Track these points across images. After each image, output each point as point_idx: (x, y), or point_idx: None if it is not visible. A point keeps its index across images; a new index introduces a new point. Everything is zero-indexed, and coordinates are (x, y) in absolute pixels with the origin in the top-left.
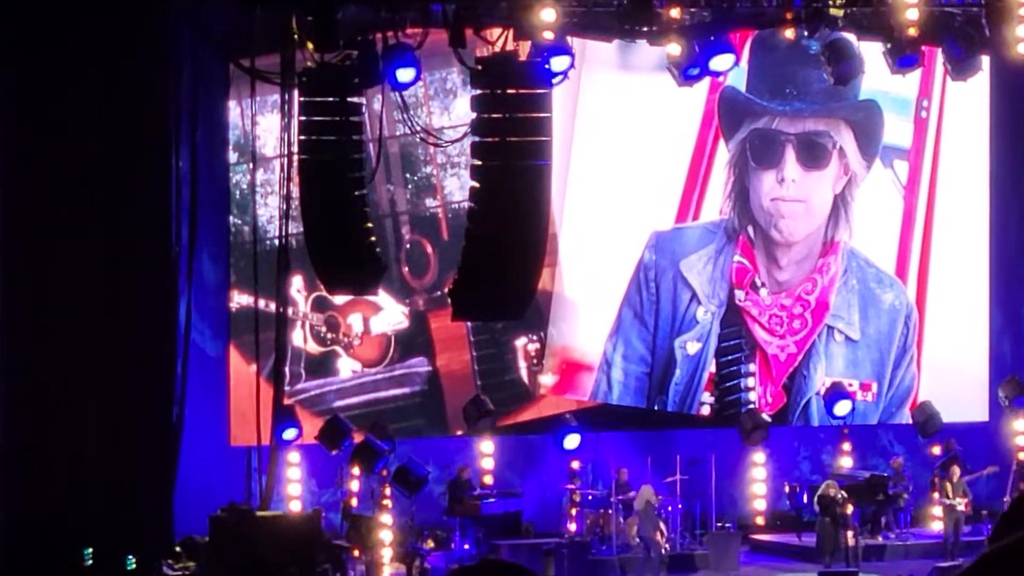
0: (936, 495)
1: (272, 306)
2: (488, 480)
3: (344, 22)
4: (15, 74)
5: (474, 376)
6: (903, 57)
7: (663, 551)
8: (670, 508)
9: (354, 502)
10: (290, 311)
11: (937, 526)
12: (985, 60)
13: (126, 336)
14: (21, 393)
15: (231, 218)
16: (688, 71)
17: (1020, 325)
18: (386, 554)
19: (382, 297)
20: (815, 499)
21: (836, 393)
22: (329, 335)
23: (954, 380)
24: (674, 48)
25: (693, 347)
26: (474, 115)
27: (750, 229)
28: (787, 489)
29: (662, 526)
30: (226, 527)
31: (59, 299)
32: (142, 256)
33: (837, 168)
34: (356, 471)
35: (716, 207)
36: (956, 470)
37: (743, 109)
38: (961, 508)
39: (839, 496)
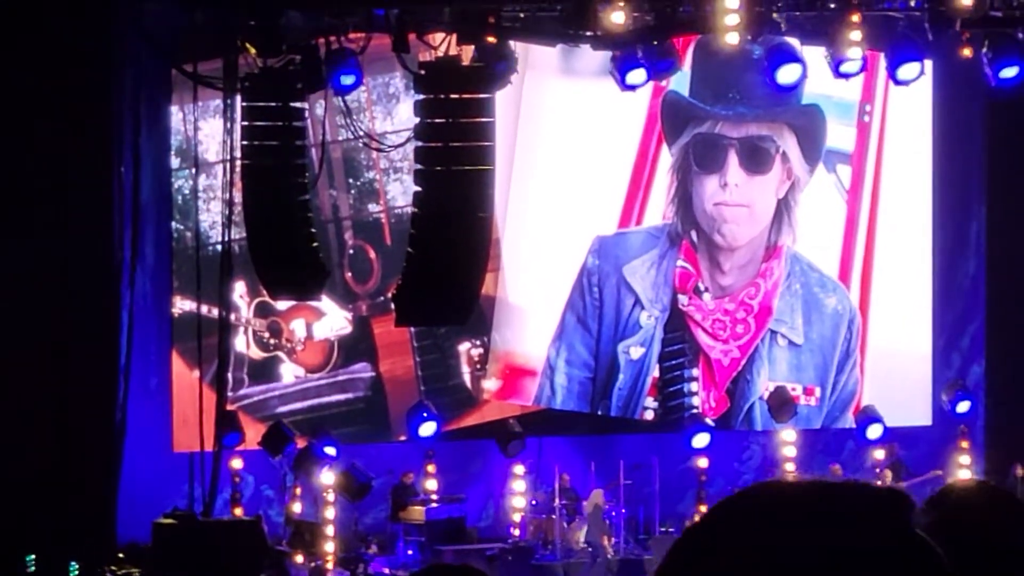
0: None
1: (215, 312)
2: (432, 485)
3: (287, 27)
4: None
5: (417, 381)
6: (844, 60)
7: (609, 556)
8: (614, 513)
9: (297, 508)
10: (233, 317)
11: None
12: (928, 64)
13: (67, 341)
14: None
15: (173, 223)
16: (627, 76)
17: (963, 330)
18: (329, 560)
19: (325, 303)
20: None
21: (780, 398)
22: (272, 341)
23: (897, 384)
24: (616, 52)
25: (636, 352)
26: (417, 120)
27: (693, 234)
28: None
29: (609, 531)
30: (169, 533)
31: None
32: (83, 261)
33: (780, 173)
34: (299, 477)
35: (659, 212)
36: (888, 474)
37: (686, 114)
38: None
39: None
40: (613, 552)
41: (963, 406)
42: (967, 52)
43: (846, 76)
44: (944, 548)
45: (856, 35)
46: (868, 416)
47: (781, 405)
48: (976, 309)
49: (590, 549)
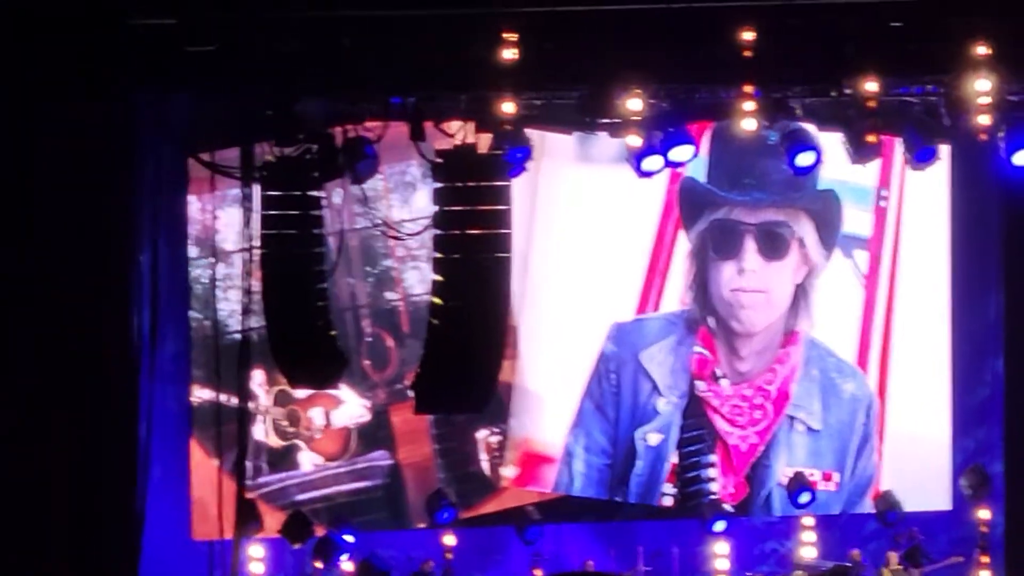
0: None
1: (234, 400)
2: (451, 573)
3: (303, 115)
4: None
5: (436, 469)
6: (863, 148)
7: None
8: None
9: None
10: (251, 405)
11: None
12: (944, 149)
13: (87, 429)
14: None
15: (192, 312)
16: (642, 162)
17: (982, 412)
18: None
19: (343, 391)
20: None
21: (798, 484)
22: (291, 429)
23: (916, 469)
24: (633, 140)
25: (654, 438)
26: (435, 208)
27: (710, 320)
28: None
29: None
30: None
31: (20, 394)
32: (103, 349)
33: (797, 258)
34: (319, 565)
35: (677, 298)
36: (892, 556)
37: (703, 200)
38: None
39: None
40: None
41: (981, 493)
42: (983, 136)
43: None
44: None
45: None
46: (887, 501)
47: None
48: (995, 394)
49: None
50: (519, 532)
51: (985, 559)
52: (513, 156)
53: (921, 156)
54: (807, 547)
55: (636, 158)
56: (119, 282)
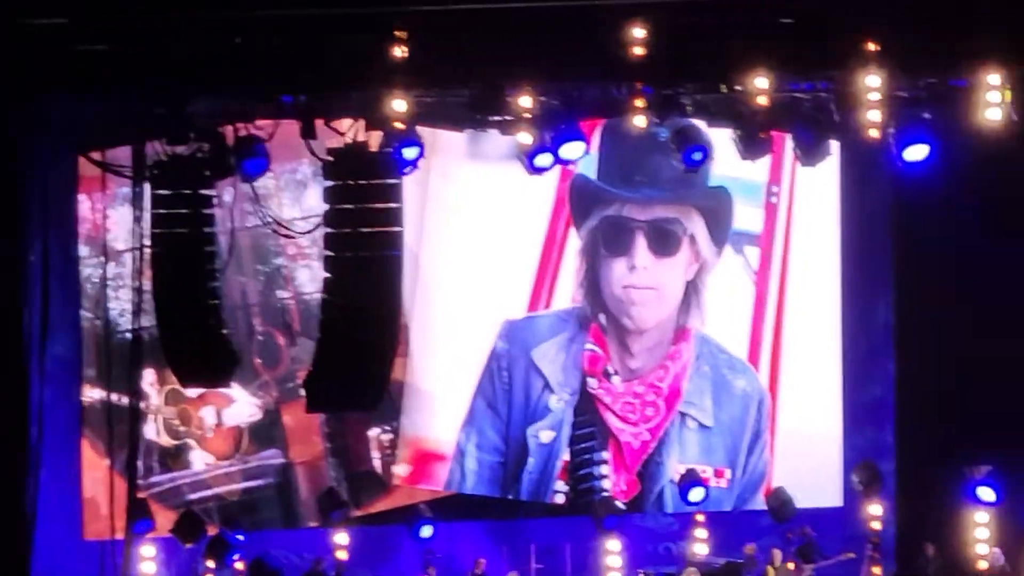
0: None
1: (125, 400)
2: (343, 571)
3: (194, 114)
4: None
5: (328, 467)
6: (752, 143)
7: None
8: None
9: None
10: (142, 404)
11: None
12: (834, 145)
13: None
14: None
15: (82, 312)
16: (535, 160)
17: (873, 410)
18: None
19: (235, 389)
20: None
21: (690, 480)
22: (182, 428)
23: (807, 465)
24: (524, 136)
25: (546, 436)
26: (326, 206)
27: (602, 317)
28: None
29: None
30: None
31: None
32: None
33: (688, 255)
34: (211, 564)
35: (568, 295)
36: (777, 553)
37: (594, 197)
38: None
39: None
40: None
41: (873, 488)
42: (873, 132)
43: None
44: None
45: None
46: (778, 497)
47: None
48: (886, 388)
49: None
50: (411, 530)
51: (876, 555)
52: (401, 154)
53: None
54: (699, 544)
55: (527, 155)
56: (9, 282)
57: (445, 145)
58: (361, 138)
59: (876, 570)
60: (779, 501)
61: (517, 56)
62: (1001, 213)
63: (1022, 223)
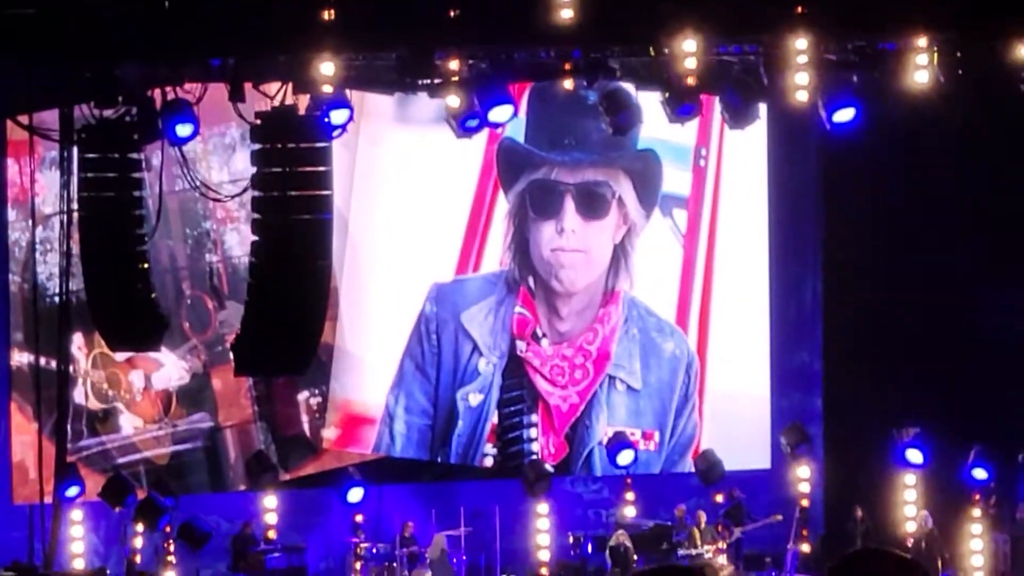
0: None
1: (53, 364)
2: (272, 535)
3: (123, 78)
4: None
5: (257, 431)
6: (681, 106)
7: None
8: (455, 560)
9: (138, 559)
10: (71, 368)
11: (724, 573)
12: (763, 108)
13: None
14: None
15: (10, 276)
16: (466, 123)
17: (801, 373)
18: None
19: (163, 353)
20: (607, 550)
21: (618, 443)
22: (111, 392)
23: (736, 428)
24: (453, 100)
25: (475, 399)
26: (254, 170)
27: (531, 280)
28: (571, 539)
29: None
30: None
31: None
32: None
33: (616, 218)
34: (140, 528)
35: (496, 258)
36: (702, 515)
37: (522, 160)
38: (709, 555)
39: (629, 546)
40: None
41: (801, 450)
42: (802, 95)
43: (682, 120)
44: None
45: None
46: (707, 460)
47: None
48: (813, 349)
49: None
50: (340, 494)
51: (804, 517)
52: (330, 118)
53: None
54: (628, 506)
55: (455, 119)
56: None
57: (374, 108)
58: (289, 101)
59: (803, 532)
60: (707, 463)
61: (445, 20)
62: (929, 176)
63: (950, 186)
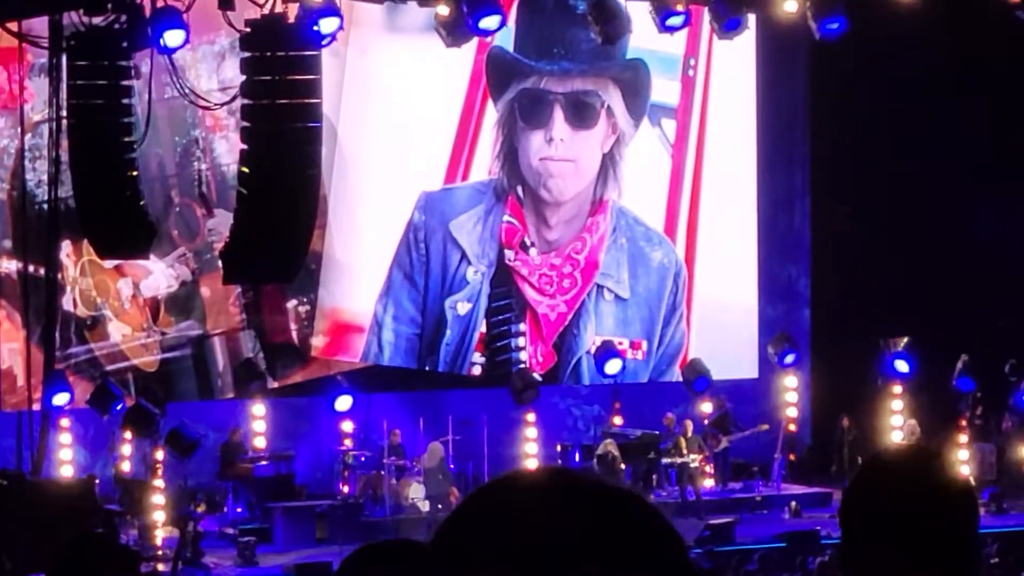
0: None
1: (42, 271)
2: (260, 443)
3: None
4: None
5: (245, 339)
6: (669, 15)
7: None
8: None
9: (126, 467)
10: (60, 276)
11: (709, 483)
12: (751, 18)
13: None
14: None
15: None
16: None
17: (789, 283)
18: (159, 518)
19: (152, 261)
20: (595, 458)
21: (606, 352)
22: (99, 299)
23: (724, 338)
24: (442, 8)
25: (463, 307)
26: (243, 78)
27: (519, 189)
28: (559, 448)
29: (454, 484)
30: None
31: None
32: None
33: (605, 127)
34: (128, 435)
35: (485, 167)
36: (688, 424)
37: (511, 69)
38: (695, 465)
39: (616, 455)
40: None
41: (789, 359)
42: (790, 5)
43: (671, 30)
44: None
45: None
46: (695, 370)
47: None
48: (801, 261)
49: (432, 503)
50: (328, 402)
51: (792, 427)
52: (319, 26)
53: (729, 25)
54: (615, 415)
55: (445, 28)
56: None
57: (363, 17)
58: (279, 10)
59: (790, 442)
60: (695, 373)
61: None
62: (918, 88)
63: (939, 97)
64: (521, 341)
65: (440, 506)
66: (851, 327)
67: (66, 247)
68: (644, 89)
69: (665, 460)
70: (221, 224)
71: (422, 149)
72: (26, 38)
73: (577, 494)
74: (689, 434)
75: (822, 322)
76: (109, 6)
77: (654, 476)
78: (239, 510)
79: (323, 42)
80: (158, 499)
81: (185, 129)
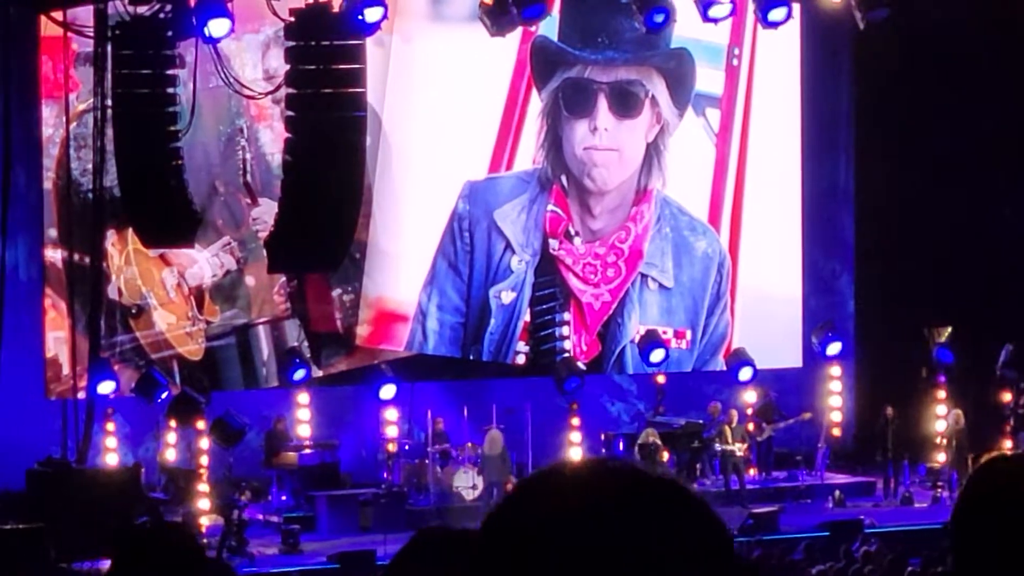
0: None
1: (87, 260)
2: (305, 431)
3: None
4: None
5: (289, 328)
6: (711, 4)
7: None
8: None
9: (171, 455)
10: (105, 264)
11: (752, 472)
12: (796, 8)
13: None
14: None
15: (44, 172)
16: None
17: (832, 272)
18: (204, 506)
19: (196, 250)
20: (636, 447)
21: (650, 341)
22: (144, 288)
23: (768, 327)
24: None
25: (507, 296)
26: (288, 67)
27: (563, 178)
28: (603, 437)
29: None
30: (44, 481)
31: None
32: None
33: (649, 117)
34: (173, 424)
35: (529, 157)
36: (733, 414)
37: (555, 58)
38: (740, 454)
39: (659, 444)
40: None
41: (833, 348)
42: None
43: (715, 20)
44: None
45: None
46: (739, 359)
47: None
48: (845, 250)
49: (488, 490)
50: (372, 390)
51: (836, 416)
52: (364, 15)
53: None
54: (659, 405)
55: (490, 16)
56: None
57: (408, 6)
58: None
59: (835, 432)
60: (739, 362)
61: None
62: (963, 77)
63: (983, 84)
64: (565, 330)
65: (495, 492)
66: (896, 314)
67: (111, 236)
68: (688, 78)
69: (711, 448)
70: (265, 213)
71: (466, 138)
72: (71, 27)
73: (622, 485)
74: (734, 423)
75: (866, 311)
76: None
77: (697, 465)
78: (283, 498)
79: (368, 31)
80: (203, 487)
81: (229, 118)
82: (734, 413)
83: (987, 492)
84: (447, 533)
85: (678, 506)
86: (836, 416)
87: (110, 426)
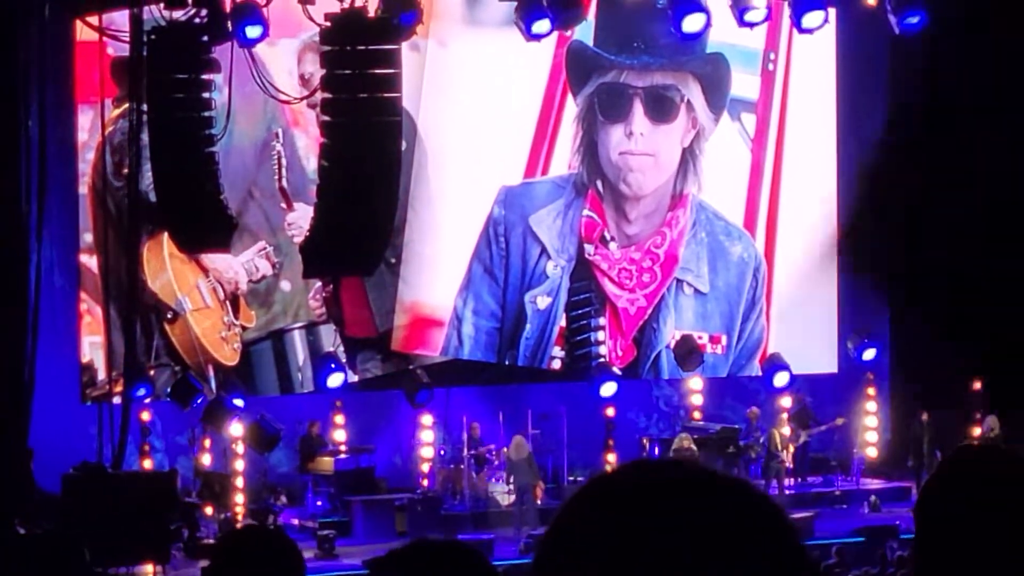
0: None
1: (122, 265)
2: (340, 436)
3: None
4: None
5: (325, 333)
6: (747, 9)
7: (538, 503)
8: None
9: (206, 460)
10: (140, 269)
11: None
12: (832, 13)
13: None
14: None
15: (80, 177)
16: (532, 26)
17: (868, 276)
18: (239, 511)
19: (232, 255)
20: (671, 453)
21: (774, 364)
22: (180, 293)
23: (803, 332)
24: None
25: (543, 301)
26: (323, 72)
27: (599, 183)
28: (645, 442)
29: (540, 477)
30: (79, 486)
31: None
32: None
33: (685, 121)
34: (208, 429)
35: (565, 161)
36: (783, 419)
37: (591, 63)
38: (784, 459)
39: (693, 449)
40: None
41: (868, 354)
42: (871, 1)
43: (751, 25)
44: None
45: None
46: (774, 364)
47: (687, 354)
48: (881, 255)
49: (518, 494)
50: (408, 395)
51: (871, 421)
52: (399, 20)
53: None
54: (695, 410)
55: (524, 21)
56: (6, 146)
57: (443, 10)
58: (359, 3)
59: (871, 435)
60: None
61: None
62: (999, 87)
63: (1020, 89)
64: (601, 335)
65: (525, 498)
66: (932, 320)
67: (146, 241)
68: (724, 83)
69: (747, 454)
70: (301, 218)
71: (502, 143)
72: (107, 32)
73: (690, 487)
74: (783, 429)
75: (902, 315)
76: (189, 0)
77: (734, 471)
78: (319, 503)
79: (403, 36)
80: (238, 493)
81: (265, 123)
82: (784, 418)
83: (952, 480)
84: (438, 544)
85: (746, 506)
86: (871, 422)
87: (145, 431)
